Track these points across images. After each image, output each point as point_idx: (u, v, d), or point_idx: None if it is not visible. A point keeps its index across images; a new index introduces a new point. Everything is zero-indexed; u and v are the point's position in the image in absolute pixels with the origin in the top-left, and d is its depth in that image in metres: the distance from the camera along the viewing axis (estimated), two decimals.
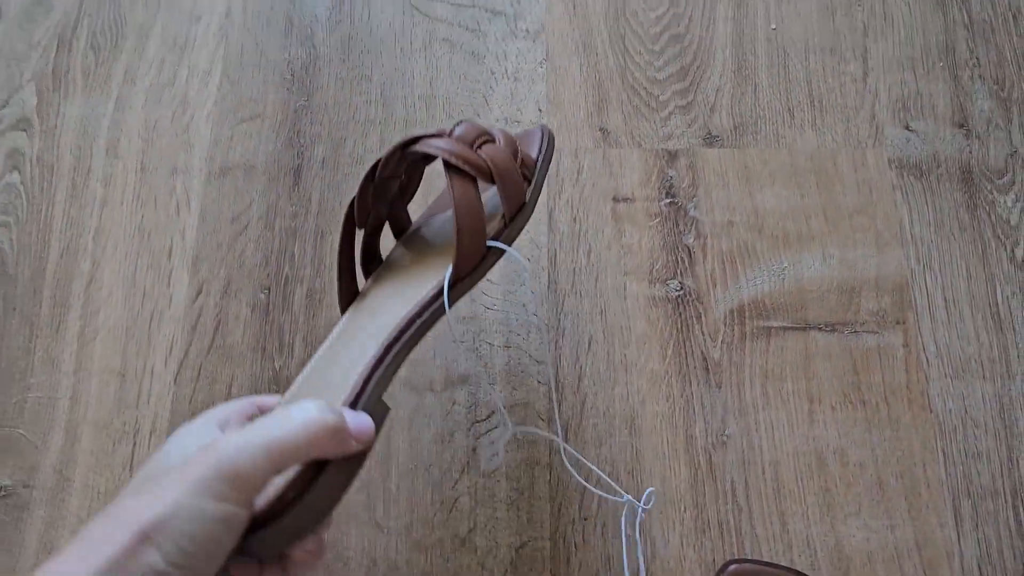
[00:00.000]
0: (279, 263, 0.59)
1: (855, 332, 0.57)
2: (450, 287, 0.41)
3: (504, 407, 0.54)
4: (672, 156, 0.61)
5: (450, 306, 0.41)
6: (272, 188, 0.61)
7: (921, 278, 0.58)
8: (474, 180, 0.42)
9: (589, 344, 0.56)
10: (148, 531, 0.31)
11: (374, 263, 0.48)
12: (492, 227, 0.44)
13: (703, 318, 0.57)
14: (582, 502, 0.53)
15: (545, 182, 0.61)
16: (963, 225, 0.59)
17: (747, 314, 0.57)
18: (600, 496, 0.53)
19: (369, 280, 0.47)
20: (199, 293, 0.58)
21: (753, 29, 0.65)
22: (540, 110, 0.63)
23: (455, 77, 0.64)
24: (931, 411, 0.54)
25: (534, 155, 0.47)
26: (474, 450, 0.54)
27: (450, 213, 0.48)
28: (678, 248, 0.59)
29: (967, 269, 0.58)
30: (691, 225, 0.59)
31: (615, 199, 0.60)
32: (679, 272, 0.58)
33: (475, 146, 0.43)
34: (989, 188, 0.60)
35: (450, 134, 0.43)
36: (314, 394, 0.40)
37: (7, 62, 0.64)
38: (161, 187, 0.61)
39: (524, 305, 0.57)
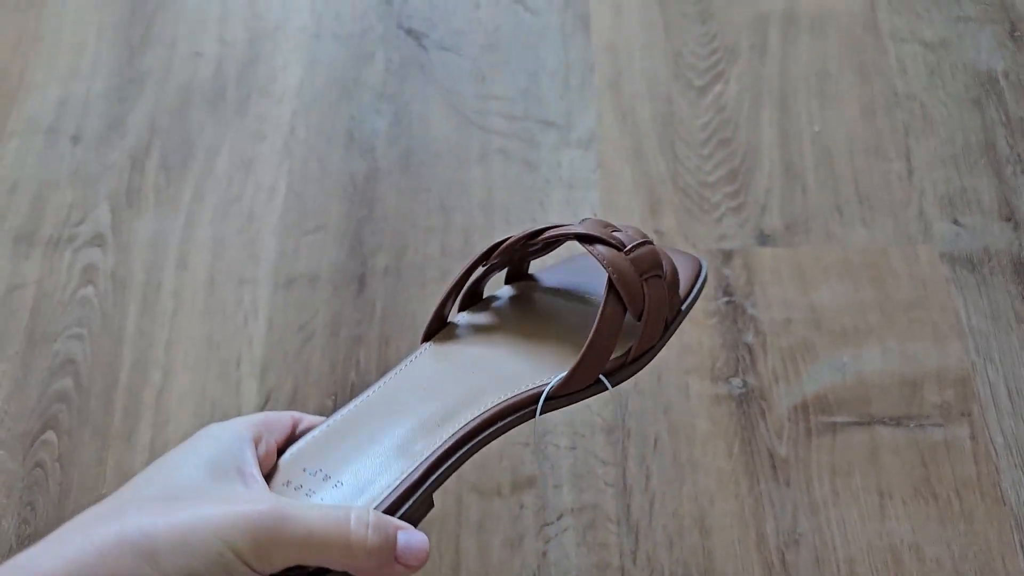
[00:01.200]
0: (345, 370, 0.60)
1: (921, 425, 0.57)
2: (547, 398, 0.40)
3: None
4: (727, 256, 0.63)
5: (540, 413, 0.40)
6: (337, 297, 0.63)
7: (983, 370, 0.58)
8: (625, 310, 0.40)
9: (655, 443, 0.57)
10: (151, 548, 0.29)
11: (473, 300, 0.46)
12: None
13: (767, 415, 0.57)
14: None
15: None
16: (1020, 316, 0.60)
17: (811, 410, 0.57)
18: None
19: (463, 314, 0.45)
20: (267, 401, 0.59)
21: (798, 132, 0.68)
22: (595, 215, 0.65)
23: (511, 185, 0.66)
24: (1005, 503, 0.54)
25: (682, 293, 0.44)
26: (544, 555, 0.54)
27: (576, 302, 0.45)
28: (738, 346, 0.60)
29: None
30: (750, 323, 0.60)
31: None
32: (740, 370, 0.59)
33: (643, 276, 0.40)
34: None
35: (628, 250, 0.40)
36: (356, 449, 0.38)
37: (83, 183, 0.68)
38: (229, 299, 0.63)
39: (588, 406, 0.58)
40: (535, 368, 0.41)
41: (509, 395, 0.40)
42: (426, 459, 0.38)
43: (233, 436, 0.35)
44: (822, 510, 0.54)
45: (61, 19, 0.76)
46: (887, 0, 0.74)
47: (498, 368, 0.41)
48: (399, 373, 0.42)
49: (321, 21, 0.75)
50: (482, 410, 0.39)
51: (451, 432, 0.39)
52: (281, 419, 0.39)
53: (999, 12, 0.73)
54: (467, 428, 0.39)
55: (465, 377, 0.41)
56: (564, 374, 0.40)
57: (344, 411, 0.40)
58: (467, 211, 0.65)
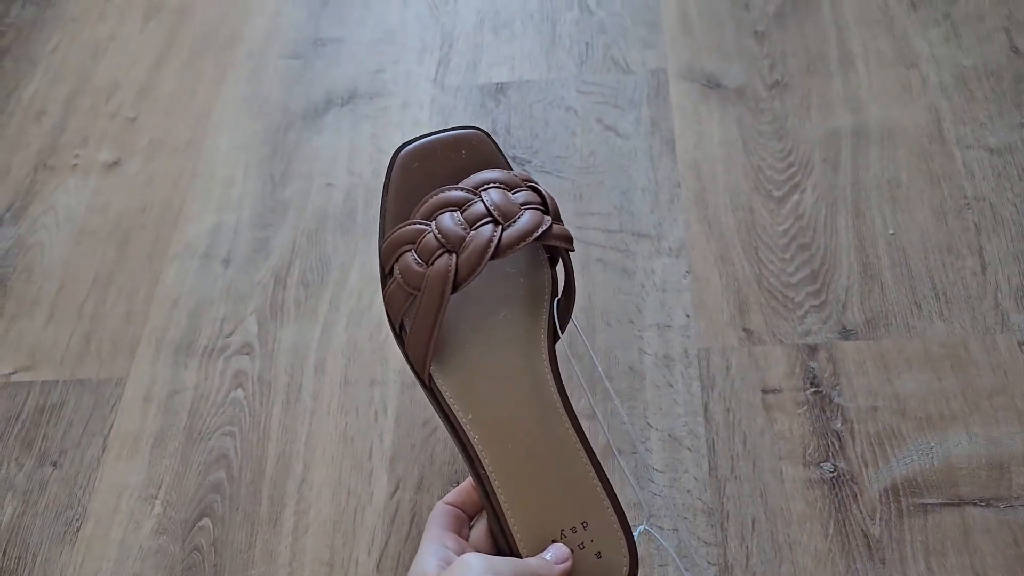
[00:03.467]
0: None
1: (1011, 506, 0.60)
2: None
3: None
4: (812, 350, 0.68)
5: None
6: None
7: None
8: None
9: (753, 525, 0.61)
10: None
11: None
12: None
13: (859, 497, 0.61)
14: None
15: (698, 377, 0.68)
16: None
17: (902, 492, 0.61)
18: None
19: None
20: (396, 489, 0.66)
21: (873, 235, 0.73)
22: (688, 316, 0.71)
23: (610, 291, 0.73)
24: None
25: None
26: None
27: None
28: (827, 433, 0.64)
29: None
30: (837, 411, 0.65)
31: (764, 391, 0.66)
32: (831, 455, 0.63)
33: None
34: None
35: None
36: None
37: (234, 299, 0.77)
38: (361, 398, 0.71)
39: (689, 491, 0.63)
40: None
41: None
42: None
43: (436, 546, 0.51)
44: None
45: (214, 158, 0.88)
46: (951, 112, 0.80)
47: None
48: None
49: None
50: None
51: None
52: (445, 514, 0.54)
53: None
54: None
55: None
56: None
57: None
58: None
